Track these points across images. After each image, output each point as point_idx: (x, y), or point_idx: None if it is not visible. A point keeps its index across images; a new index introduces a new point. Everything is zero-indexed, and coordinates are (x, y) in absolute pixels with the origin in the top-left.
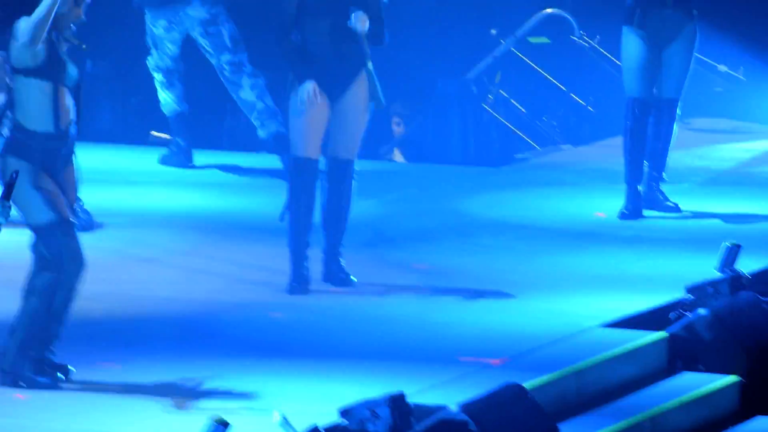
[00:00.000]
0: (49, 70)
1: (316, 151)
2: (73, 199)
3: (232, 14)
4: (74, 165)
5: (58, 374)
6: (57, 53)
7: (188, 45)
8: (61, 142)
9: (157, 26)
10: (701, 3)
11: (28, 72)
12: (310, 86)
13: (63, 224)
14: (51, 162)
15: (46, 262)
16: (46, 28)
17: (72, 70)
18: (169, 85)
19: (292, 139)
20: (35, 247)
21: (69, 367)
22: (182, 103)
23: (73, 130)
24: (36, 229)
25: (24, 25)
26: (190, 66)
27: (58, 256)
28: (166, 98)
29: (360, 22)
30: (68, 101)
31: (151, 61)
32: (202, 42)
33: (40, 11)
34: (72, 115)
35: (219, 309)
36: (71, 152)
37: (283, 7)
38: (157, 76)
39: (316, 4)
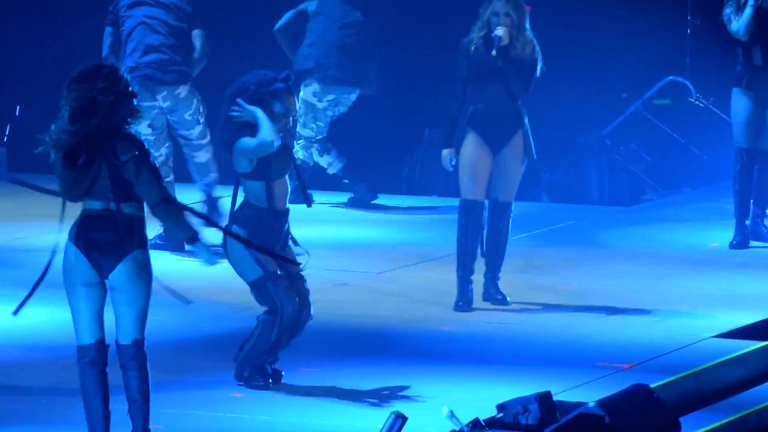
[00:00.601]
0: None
1: (482, 195)
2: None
3: None
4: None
5: (270, 380)
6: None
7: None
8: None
9: (323, 100)
10: None
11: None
12: (476, 141)
13: (271, 277)
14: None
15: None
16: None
17: (286, 164)
18: (326, 151)
19: (462, 185)
20: (255, 297)
21: (281, 372)
22: (342, 157)
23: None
24: (251, 285)
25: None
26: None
27: (272, 305)
28: (328, 161)
29: (519, 90)
30: (283, 187)
31: (304, 133)
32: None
33: (261, 141)
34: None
35: (399, 323)
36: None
37: (456, 76)
38: (311, 147)
39: (483, 73)
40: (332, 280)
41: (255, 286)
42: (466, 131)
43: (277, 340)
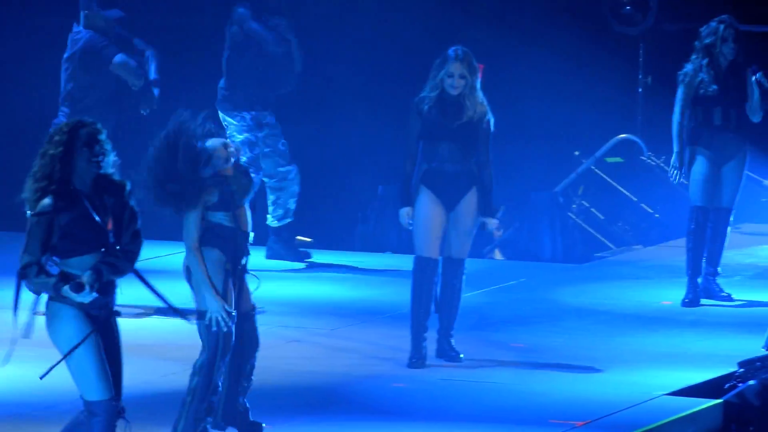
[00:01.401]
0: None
1: (437, 252)
2: (246, 293)
3: None
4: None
5: None
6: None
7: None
8: (243, 240)
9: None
10: (752, 128)
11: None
12: (430, 198)
13: (223, 314)
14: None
15: (204, 345)
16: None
17: (244, 191)
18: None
19: (416, 242)
20: (198, 329)
21: (260, 424)
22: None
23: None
24: (199, 314)
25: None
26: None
27: (212, 341)
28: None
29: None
30: (244, 214)
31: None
32: None
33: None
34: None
35: (352, 380)
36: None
37: (408, 134)
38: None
39: (435, 132)
40: (285, 336)
41: (200, 317)
42: (420, 189)
43: (206, 385)
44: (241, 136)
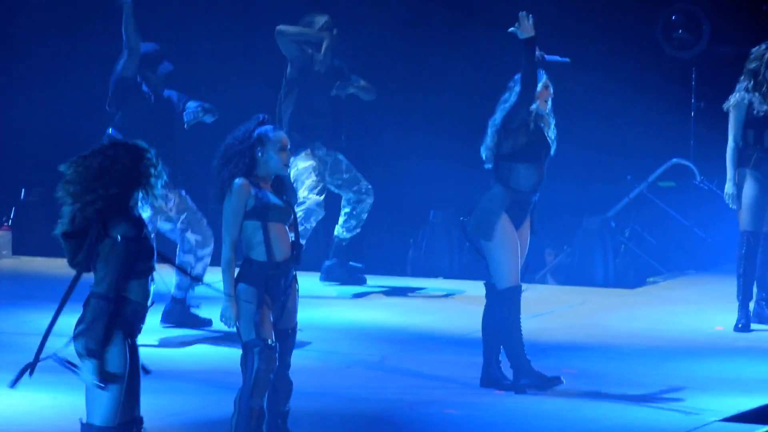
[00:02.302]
0: (257, 212)
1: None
2: (291, 322)
3: None
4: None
5: None
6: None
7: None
8: (278, 271)
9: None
10: None
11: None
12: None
13: (261, 346)
14: (272, 287)
15: (244, 377)
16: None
17: (284, 209)
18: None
19: (504, 273)
20: (241, 362)
21: None
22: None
23: (291, 261)
24: (243, 345)
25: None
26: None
27: (250, 375)
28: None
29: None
30: (283, 235)
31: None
32: None
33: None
34: (288, 248)
35: (404, 407)
36: (289, 279)
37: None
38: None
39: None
40: (337, 363)
41: (243, 348)
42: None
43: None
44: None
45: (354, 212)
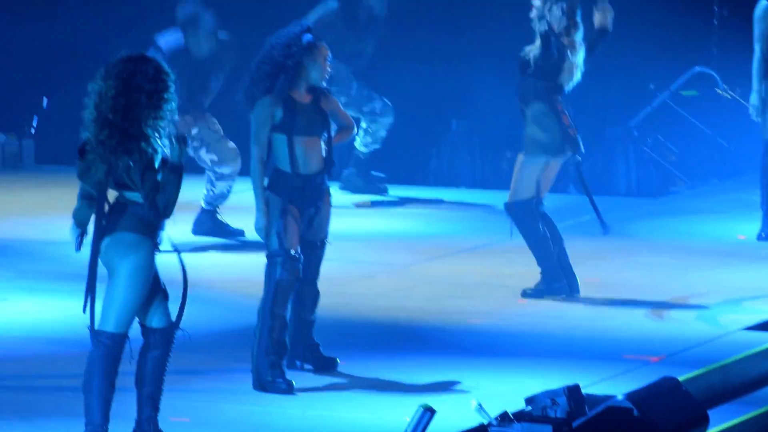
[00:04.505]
0: (284, 125)
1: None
2: (320, 234)
3: None
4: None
5: (291, 382)
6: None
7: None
8: (304, 183)
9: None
10: None
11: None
12: None
13: (283, 256)
14: (297, 198)
15: (266, 287)
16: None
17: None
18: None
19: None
20: (265, 271)
21: (335, 359)
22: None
23: (320, 174)
24: (267, 255)
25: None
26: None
27: (271, 285)
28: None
29: None
30: (309, 149)
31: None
32: None
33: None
34: (318, 162)
35: (427, 316)
36: (318, 192)
37: None
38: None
39: None
40: (359, 272)
41: (267, 257)
42: None
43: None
44: None
45: (369, 129)
